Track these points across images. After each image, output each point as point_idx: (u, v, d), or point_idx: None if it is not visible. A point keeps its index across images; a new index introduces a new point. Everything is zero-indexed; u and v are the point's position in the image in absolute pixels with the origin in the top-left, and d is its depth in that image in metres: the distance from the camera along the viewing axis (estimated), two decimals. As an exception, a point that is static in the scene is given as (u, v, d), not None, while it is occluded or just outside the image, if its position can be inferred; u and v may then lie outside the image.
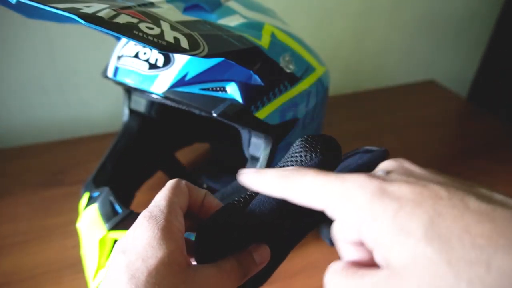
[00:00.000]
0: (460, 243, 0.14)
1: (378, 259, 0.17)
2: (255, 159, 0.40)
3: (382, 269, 0.16)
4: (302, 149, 0.25)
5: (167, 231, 0.21)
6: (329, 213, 0.18)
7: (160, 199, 0.24)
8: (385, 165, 0.20)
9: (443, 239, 0.14)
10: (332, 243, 0.44)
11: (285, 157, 0.26)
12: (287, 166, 0.25)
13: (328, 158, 0.25)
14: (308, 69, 0.42)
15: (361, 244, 0.19)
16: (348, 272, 0.18)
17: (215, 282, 0.22)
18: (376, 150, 0.30)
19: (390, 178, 0.18)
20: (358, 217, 0.17)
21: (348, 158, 0.31)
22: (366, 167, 0.28)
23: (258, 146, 0.40)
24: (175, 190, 0.25)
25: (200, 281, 0.21)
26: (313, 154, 0.25)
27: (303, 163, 0.25)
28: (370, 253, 0.19)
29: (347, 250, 0.20)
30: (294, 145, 0.26)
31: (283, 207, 0.24)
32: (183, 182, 0.26)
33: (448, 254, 0.14)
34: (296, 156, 0.25)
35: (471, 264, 0.14)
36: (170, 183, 0.26)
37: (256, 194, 0.25)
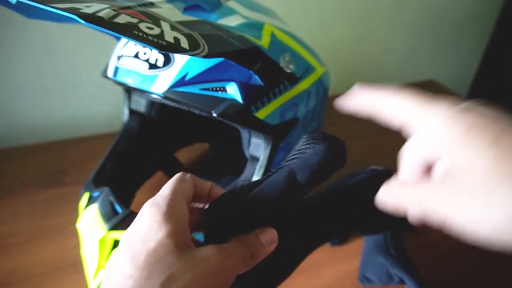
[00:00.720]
0: None
1: (440, 169, 0.21)
2: (255, 159, 0.40)
3: (438, 174, 0.21)
4: (310, 140, 0.26)
5: (168, 215, 0.23)
6: (412, 125, 0.22)
7: (165, 188, 0.25)
8: (469, 103, 0.23)
9: (500, 153, 0.18)
10: (332, 244, 0.44)
11: (293, 151, 0.27)
12: (296, 158, 0.26)
13: (336, 146, 0.27)
14: (308, 69, 0.42)
15: (425, 164, 0.22)
16: (404, 185, 0.22)
17: (217, 260, 0.22)
18: (382, 170, 0.32)
19: (470, 109, 0.21)
20: (438, 129, 0.20)
21: (354, 177, 0.32)
22: (372, 180, 0.29)
23: (258, 146, 0.40)
24: (179, 181, 0.26)
25: (199, 260, 0.22)
26: (321, 143, 0.26)
27: (312, 153, 0.26)
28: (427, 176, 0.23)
29: (409, 168, 0.24)
30: (301, 141, 0.27)
31: (291, 190, 0.25)
32: (188, 174, 0.27)
33: (502, 163, 0.18)
34: (305, 147, 0.26)
35: None
36: (176, 175, 0.27)
37: (262, 181, 0.26)
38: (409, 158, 0.24)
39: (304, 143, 0.27)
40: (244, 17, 0.40)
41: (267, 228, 0.26)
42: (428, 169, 0.23)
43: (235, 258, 0.23)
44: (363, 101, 0.26)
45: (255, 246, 0.25)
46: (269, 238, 0.26)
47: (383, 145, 0.66)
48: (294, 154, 0.27)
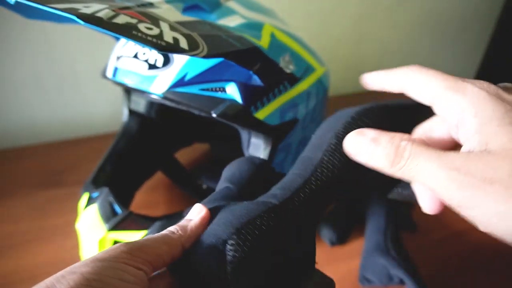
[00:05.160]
0: None
1: (472, 145, 0.19)
2: (254, 160, 0.40)
3: (468, 149, 0.19)
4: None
5: None
6: (441, 103, 0.21)
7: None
8: (504, 84, 0.22)
9: None
10: (332, 243, 0.43)
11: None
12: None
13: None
14: (308, 70, 0.42)
15: (449, 141, 0.22)
16: (425, 146, 0.20)
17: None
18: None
19: (504, 90, 0.20)
20: (470, 109, 0.19)
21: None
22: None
23: (257, 147, 0.40)
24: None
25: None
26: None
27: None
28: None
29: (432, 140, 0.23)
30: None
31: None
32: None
33: None
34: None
35: None
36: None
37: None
38: (436, 131, 0.23)
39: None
40: (244, 17, 0.40)
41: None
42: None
43: (150, 244, 0.22)
44: (391, 79, 0.24)
45: (178, 224, 0.24)
46: (192, 211, 0.24)
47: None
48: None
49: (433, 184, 0.19)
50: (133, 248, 0.21)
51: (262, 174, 0.28)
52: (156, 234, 0.23)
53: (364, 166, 0.22)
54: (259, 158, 0.29)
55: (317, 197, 0.25)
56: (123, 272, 0.19)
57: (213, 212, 0.25)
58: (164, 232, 0.23)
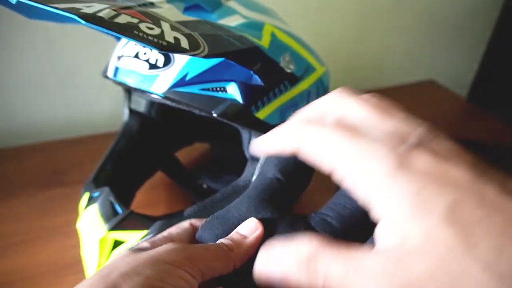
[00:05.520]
0: (478, 230, 0.14)
1: (383, 233, 0.16)
2: (255, 160, 0.40)
3: (384, 247, 0.16)
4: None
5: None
6: (338, 175, 0.18)
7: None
8: (417, 133, 0.18)
9: (463, 224, 0.14)
10: None
11: None
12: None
13: None
14: (308, 69, 0.42)
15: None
16: (335, 251, 0.17)
17: (169, 258, 0.21)
18: None
19: (415, 152, 0.16)
20: (372, 188, 0.16)
21: None
22: None
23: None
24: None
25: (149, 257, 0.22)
26: None
27: None
28: None
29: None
30: None
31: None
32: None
33: (467, 239, 0.14)
34: None
35: (486, 250, 0.14)
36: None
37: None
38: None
39: None
40: (244, 17, 0.40)
41: (246, 220, 0.24)
42: None
43: (206, 255, 0.22)
44: (282, 142, 0.21)
45: (233, 239, 0.23)
46: (247, 227, 0.24)
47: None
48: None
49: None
50: (193, 256, 0.21)
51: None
52: (213, 246, 0.23)
53: None
54: None
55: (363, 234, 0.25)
56: (180, 279, 0.20)
57: (266, 225, 0.24)
58: (220, 246, 0.23)
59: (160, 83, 0.36)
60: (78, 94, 0.72)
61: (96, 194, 0.40)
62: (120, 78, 0.39)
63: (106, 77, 0.41)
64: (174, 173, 0.57)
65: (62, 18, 0.25)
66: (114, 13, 0.26)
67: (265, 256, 0.20)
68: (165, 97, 0.36)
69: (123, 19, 0.26)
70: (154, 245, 0.24)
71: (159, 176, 0.55)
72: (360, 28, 0.90)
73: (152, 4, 0.34)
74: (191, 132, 0.61)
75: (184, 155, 0.61)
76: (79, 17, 0.24)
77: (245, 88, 0.36)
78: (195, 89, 0.35)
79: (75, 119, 0.74)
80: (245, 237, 0.23)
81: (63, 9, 0.24)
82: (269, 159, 0.27)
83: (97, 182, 0.43)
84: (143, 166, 0.52)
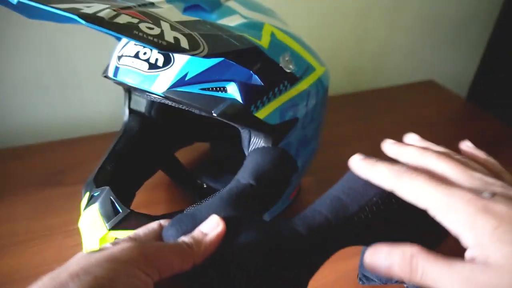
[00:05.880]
0: None
1: (470, 255, 0.21)
2: (255, 159, 0.40)
3: (471, 262, 0.21)
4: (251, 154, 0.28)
5: None
6: (431, 212, 0.22)
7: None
8: (498, 184, 0.23)
9: None
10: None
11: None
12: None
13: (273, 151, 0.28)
14: (308, 69, 0.42)
15: None
16: (434, 255, 0.22)
17: (127, 255, 0.21)
18: None
19: (494, 199, 0.21)
20: (461, 224, 0.21)
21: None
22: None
23: (257, 146, 0.40)
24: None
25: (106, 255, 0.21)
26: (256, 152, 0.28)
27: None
28: None
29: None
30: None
31: (238, 193, 0.26)
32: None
33: None
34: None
35: None
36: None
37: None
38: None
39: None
40: (244, 17, 0.41)
41: (209, 217, 0.25)
42: None
43: (163, 252, 0.22)
44: (382, 180, 0.26)
45: (194, 236, 0.23)
46: (209, 224, 0.24)
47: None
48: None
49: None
50: (148, 254, 0.21)
51: (283, 167, 0.28)
52: (172, 244, 0.23)
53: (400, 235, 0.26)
54: (278, 149, 0.29)
55: (337, 245, 0.27)
56: (134, 278, 0.19)
57: (230, 224, 0.24)
58: (179, 243, 0.23)
59: (160, 83, 0.36)
60: (78, 94, 0.72)
61: (96, 193, 0.40)
62: (120, 78, 0.39)
63: (106, 77, 0.41)
64: (174, 173, 0.57)
65: (63, 18, 0.25)
66: (114, 13, 0.27)
67: (375, 251, 0.24)
68: (165, 97, 0.36)
69: (123, 19, 0.27)
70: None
71: (159, 176, 0.55)
72: (360, 28, 0.90)
73: (152, 4, 0.34)
74: (191, 132, 0.61)
75: (184, 154, 0.61)
76: (79, 17, 0.24)
77: (244, 88, 0.36)
78: (195, 89, 0.36)
79: (75, 119, 0.74)
80: (205, 234, 0.24)
81: (63, 9, 0.24)
82: (246, 166, 0.28)
83: (98, 182, 0.43)
84: (143, 166, 0.52)
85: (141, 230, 0.26)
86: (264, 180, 0.27)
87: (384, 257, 0.23)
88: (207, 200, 0.27)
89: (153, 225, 0.27)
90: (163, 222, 0.27)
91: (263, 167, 0.27)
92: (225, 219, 0.25)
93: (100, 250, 0.22)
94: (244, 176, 0.28)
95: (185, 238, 0.24)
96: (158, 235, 0.26)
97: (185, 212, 0.26)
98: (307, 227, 0.25)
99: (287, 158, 0.28)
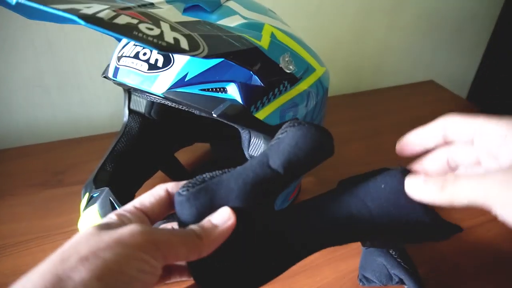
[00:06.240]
0: None
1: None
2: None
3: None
4: (287, 127, 0.26)
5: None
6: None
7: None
8: None
9: None
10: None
11: (273, 139, 0.27)
12: (272, 145, 0.26)
13: (315, 132, 0.26)
14: (308, 70, 0.42)
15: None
16: (458, 177, 0.23)
17: (138, 240, 0.21)
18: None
19: None
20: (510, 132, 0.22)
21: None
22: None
23: (258, 147, 0.40)
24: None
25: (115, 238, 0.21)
26: (297, 128, 0.26)
27: (286, 137, 0.26)
28: None
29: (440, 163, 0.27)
30: (281, 128, 0.27)
31: (264, 175, 0.25)
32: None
33: None
34: (281, 134, 0.26)
35: None
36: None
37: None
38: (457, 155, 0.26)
39: (281, 130, 0.26)
40: (244, 17, 0.40)
41: (220, 208, 0.24)
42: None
43: (173, 241, 0.21)
44: (430, 130, 0.27)
45: (204, 227, 0.23)
46: (220, 216, 0.24)
47: (383, 146, 0.66)
48: (272, 142, 0.26)
49: (480, 196, 0.22)
50: (157, 241, 0.21)
51: (319, 157, 0.27)
52: (181, 232, 0.23)
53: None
54: (322, 133, 0.26)
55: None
56: (144, 263, 0.20)
57: (242, 218, 0.24)
58: (188, 232, 0.23)
59: (160, 84, 0.36)
60: (78, 94, 0.72)
61: (96, 194, 0.40)
62: (120, 78, 0.39)
63: (106, 77, 0.41)
64: (174, 173, 0.57)
65: (62, 19, 0.25)
66: (113, 13, 0.26)
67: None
68: (165, 97, 0.36)
69: (122, 19, 0.26)
70: (122, 219, 0.23)
71: (159, 176, 0.55)
72: (360, 28, 0.90)
73: (151, 4, 0.34)
74: (191, 132, 0.61)
75: (184, 155, 0.61)
76: (79, 18, 0.24)
77: (244, 89, 0.36)
78: (195, 90, 0.36)
79: (75, 119, 0.74)
80: (216, 226, 0.23)
81: (62, 10, 0.24)
82: (282, 147, 0.26)
83: (97, 182, 0.43)
84: (143, 166, 0.52)
85: (147, 198, 0.25)
86: (294, 171, 0.26)
87: (422, 180, 0.25)
88: (228, 172, 0.26)
89: (160, 191, 0.26)
90: (170, 188, 0.26)
91: (298, 157, 0.25)
92: (238, 212, 0.24)
93: (108, 227, 0.21)
94: (275, 160, 0.25)
95: (195, 228, 0.23)
96: (165, 204, 0.26)
97: (203, 185, 0.25)
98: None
99: (327, 144, 0.27)
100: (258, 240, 0.25)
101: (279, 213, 0.27)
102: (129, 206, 0.25)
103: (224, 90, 0.36)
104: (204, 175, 0.26)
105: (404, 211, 0.26)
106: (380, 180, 0.27)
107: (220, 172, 0.26)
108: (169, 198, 0.26)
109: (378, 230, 0.27)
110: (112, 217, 0.23)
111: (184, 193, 0.24)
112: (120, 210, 0.24)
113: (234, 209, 0.24)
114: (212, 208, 0.24)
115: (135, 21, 0.27)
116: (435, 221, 0.27)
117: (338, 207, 0.27)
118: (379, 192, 0.27)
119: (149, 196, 0.26)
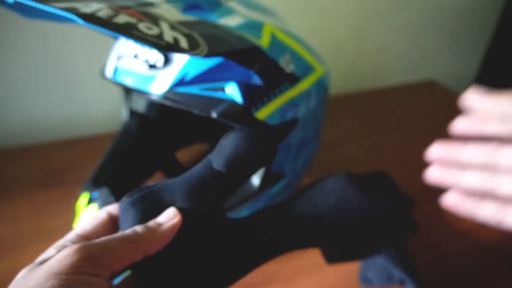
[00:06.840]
0: None
1: None
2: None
3: None
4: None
5: None
6: None
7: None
8: None
9: None
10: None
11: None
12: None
13: (255, 133, 0.28)
14: (308, 69, 0.42)
15: None
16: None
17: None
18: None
19: None
20: None
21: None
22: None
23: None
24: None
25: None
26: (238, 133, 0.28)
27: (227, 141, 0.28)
28: None
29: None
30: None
31: (209, 177, 0.26)
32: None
33: None
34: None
35: None
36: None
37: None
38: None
39: (223, 138, 0.28)
40: (244, 16, 0.40)
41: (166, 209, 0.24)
42: None
43: (112, 245, 0.21)
44: (498, 99, 0.28)
45: (148, 226, 0.23)
46: (165, 215, 0.24)
47: (382, 145, 0.66)
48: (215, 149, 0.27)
49: None
50: (92, 255, 0.20)
51: (261, 157, 0.29)
52: (119, 234, 0.22)
53: None
54: (261, 134, 0.28)
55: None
56: (82, 286, 0.18)
57: (188, 217, 0.24)
58: (129, 232, 0.22)
59: (159, 84, 0.36)
60: (78, 94, 0.72)
61: (95, 194, 0.40)
62: (119, 78, 0.39)
63: (105, 77, 0.41)
64: (174, 173, 0.57)
65: (61, 18, 0.25)
66: (112, 12, 0.26)
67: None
68: (165, 98, 0.36)
69: (121, 19, 0.26)
70: (61, 250, 0.22)
71: (159, 176, 0.55)
72: (360, 28, 0.90)
73: (151, 4, 0.34)
74: (191, 132, 0.61)
75: (184, 155, 0.61)
76: (78, 17, 0.24)
77: (244, 88, 0.36)
78: (194, 89, 0.35)
79: (74, 119, 0.74)
80: (160, 224, 0.23)
81: (61, 9, 0.24)
82: (223, 149, 0.28)
83: (97, 182, 0.43)
84: (143, 166, 0.52)
85: (89, 223, 0.25)
86: (237, 170, 0.27)
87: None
88: (174, 179, 0.26)
89: (101, 214, 0.26)
90: (111, 210, 0.26)
91: (239, 156, 0.27)
92: (183, 211, 0.24)
93: (40, 263, 0.21)
94: (218, 161, 0.27)
95: (137, 227, 0.23)
96: (108, 224, 0.25)
97: (150, 189, 0.25)
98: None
99: (267, 145, 0.28)
100: (208, 240, 0.25)
101: (237, 218, 0.27)
102: (71, 234, 0.24)
103: (224, 89, 0.36)
104: (148, 185, 0.26)
105: (355, 205, 0.27)
106: (326, 181, 0.30)
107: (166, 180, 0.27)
108: (112, 220, 0.26)
109: (332, 228, 0.28)
110: (50, 251, 0.22)
111: (129, 198, 0.24)
112: (61, 241, 0.23)
113: (181, 209, 0.24)
114: (157, 212, 0.24)
115: (134, 20, 0.27)
116: (387, 214, 0.27)
117: (291, 211, 0.28)
118: (327, 190, 0.29)
119: (91, 221, 0.25)
